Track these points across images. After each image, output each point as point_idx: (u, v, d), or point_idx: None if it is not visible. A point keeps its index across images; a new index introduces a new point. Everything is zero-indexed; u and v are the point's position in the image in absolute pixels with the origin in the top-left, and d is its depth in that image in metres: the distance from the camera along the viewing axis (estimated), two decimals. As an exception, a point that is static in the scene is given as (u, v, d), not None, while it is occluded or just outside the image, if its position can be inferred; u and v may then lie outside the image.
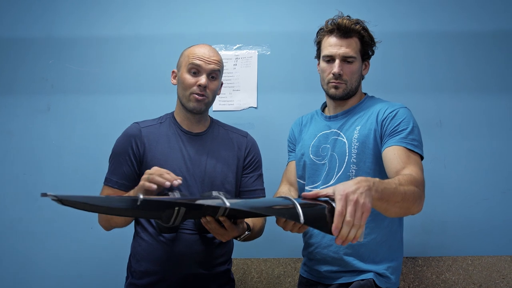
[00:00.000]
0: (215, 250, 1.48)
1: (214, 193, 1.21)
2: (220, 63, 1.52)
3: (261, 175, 1.63)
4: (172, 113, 1.59)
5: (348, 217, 0.94)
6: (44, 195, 0.86)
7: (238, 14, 2.12)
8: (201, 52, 1.48)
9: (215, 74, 1.50)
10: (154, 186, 1.24)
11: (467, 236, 1.96)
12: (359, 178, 1.01)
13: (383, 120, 1.44)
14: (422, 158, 1.39)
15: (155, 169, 1.30)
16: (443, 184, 1.96)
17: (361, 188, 0.98)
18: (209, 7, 2.12)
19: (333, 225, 0.94)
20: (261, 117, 2.06)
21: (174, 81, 1.56)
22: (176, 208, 1.10)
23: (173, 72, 1.57)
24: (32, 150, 2.07)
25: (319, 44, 1.59)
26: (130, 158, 1.46)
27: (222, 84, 1.60)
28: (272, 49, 2.09)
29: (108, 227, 1.51)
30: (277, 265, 1.96)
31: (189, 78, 1.47)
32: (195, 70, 1.47)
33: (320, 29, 1.58)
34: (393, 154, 1.35)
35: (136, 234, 1.51)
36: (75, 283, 1.99)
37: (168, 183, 1.24)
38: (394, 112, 1.44)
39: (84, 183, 2.02)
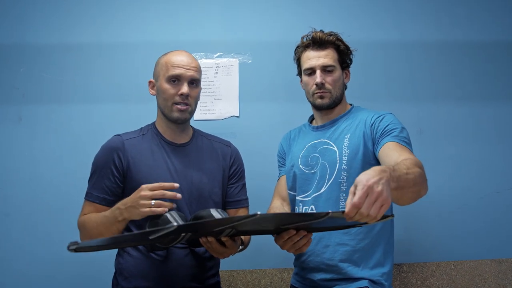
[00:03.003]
0: (206, 263, 1.44)
1: (212, 211, 1.18)
2: (199, 69, 1.48)
3: (245, 185, 1.61)
4: (154, 123, 1.54)
5: (363, 210, 0.92)
6: (74, 244, 0.93)
7: (218, 22, 2.09)
8: (179, 60, 1.44)
9: (195, 82, 1.46)
10: (159, 210, 1.23)
11: (449, 241, 2.00)
12: (377, 168, 0.98)
13: (372, 125, 1.48)
14: None
15: (146, 191, 1.26)
16: (424, 190, 1.99)
17: (384, 179, 0.95)
18: (189, 14, 2.08)
19: (346, 212, 0.93)
20: (243, 126, 2.03)
21: (153, 92, 1.50)
22: (183, 234, 1.05)
23: (150, 82, 1.51)
24: (2, 162, 1.96)
25: (298, 60, 1.63)
26: (112, 172, 1.40)
27: (200, 89, 1.56)
28: (253, 57, 2.08)
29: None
30: (263, 276, 1.92)
31: (169, 88, 1.43)
32: (175, 79, 1.43)
33: (297, 46, 1.63)
34: (388, 149, 1.38)
35: (121, 250, 1.45)
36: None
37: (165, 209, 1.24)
38: (382, 116, 1.49)
39: (60, 197, 1.93)
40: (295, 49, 1.63)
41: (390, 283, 1.48)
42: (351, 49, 1.60)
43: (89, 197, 1.41)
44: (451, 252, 1.98)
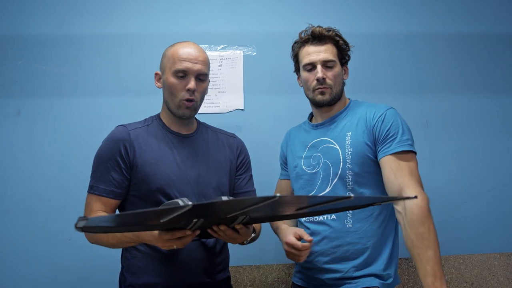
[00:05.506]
0: (215, 257, 1.41)
1: (224, 198, 1.13)
2: (206, 62, 1.42)
3: (252, 176, 1.58)
4: (158, 114, 1.49)
5: None
6: (83, 219, 0.85)
7: (222, 14, 2.05)
8: (186, 53, 1.37)
9: (203, 76, 1.40)
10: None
11: (458, 235, 1.98)
12: None
13: (373, 126, 1.46)
14: (415, 153, 1.43)
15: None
16: (432, 184, 1.93)
17: None
18: (193, 6, 2.04)
19: None
20: (248, 119, 2.00)
21: (159, 84, 1.45)
22: (195, 220, 1.00)
23: (156, 74, 1.45)
24: (0, 157, 1.90)
25: (296, 57, 1.59)
26: (119, 163, 1.34)
27: (209, 81, 1.51)
28: (258, 49, 2.04)
29: (92, 242, 1.37)
30: (270, 272, 1.89)
31: (176, 83, 1.37)
32: (182, 74, 1.37)
33: (295, 42, 1.59)
34: (389, 169, 1.39)
35: None
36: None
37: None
38: (383, 116, 1.46)
39: (61, 193, 1.88)
40: (292, 45, 1.60)
41: (398, 277, 1.48)
42: (349, 45, 1.57)
43: (95, 190, 1.34)
44: (459, 246, 1.96)
